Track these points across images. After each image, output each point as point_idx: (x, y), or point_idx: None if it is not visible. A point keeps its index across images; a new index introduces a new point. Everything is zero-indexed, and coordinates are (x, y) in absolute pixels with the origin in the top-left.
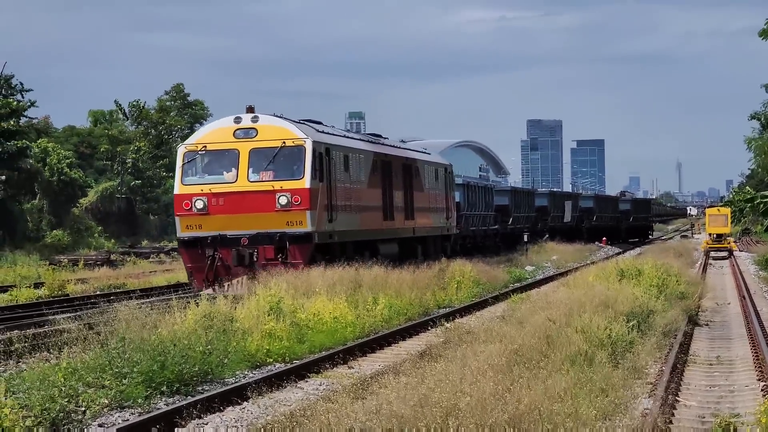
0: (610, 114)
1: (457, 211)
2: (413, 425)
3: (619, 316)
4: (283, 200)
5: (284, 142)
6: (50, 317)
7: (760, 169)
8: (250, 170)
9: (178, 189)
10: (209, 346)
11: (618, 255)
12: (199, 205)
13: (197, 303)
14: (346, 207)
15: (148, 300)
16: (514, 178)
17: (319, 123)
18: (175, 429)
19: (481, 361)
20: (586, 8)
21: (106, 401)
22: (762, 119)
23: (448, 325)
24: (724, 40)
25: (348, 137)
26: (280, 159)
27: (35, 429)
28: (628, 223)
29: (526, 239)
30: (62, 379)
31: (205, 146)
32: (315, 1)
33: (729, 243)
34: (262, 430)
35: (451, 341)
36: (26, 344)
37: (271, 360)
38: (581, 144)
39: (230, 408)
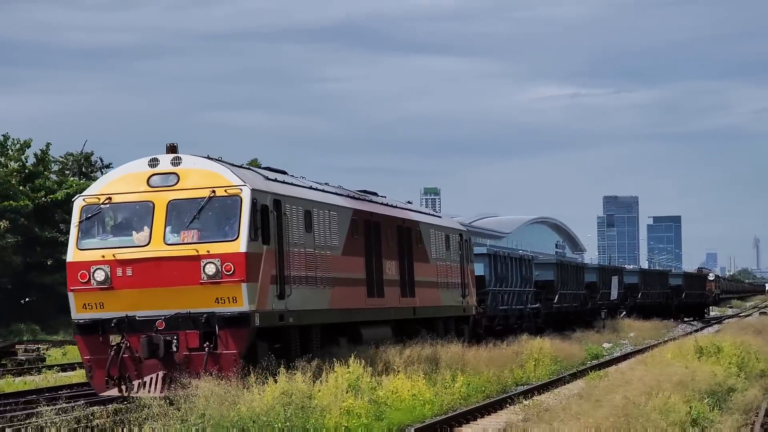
0: (686, 190)
1: (481, 286)
2: None
3: (698, 394)
4: (210, 269)
5: (214, 191)
6: None
7: None
8: (168, 229)
9: (72, 255)
10: (288, 423)
11: (696, 332)
12: (100, 276)
13: (275, 380)
14: (307, 279)
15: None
16: (591, 255)
17: (282, 172)
18: None
19: None
20: (658, 86)
21: None
22: None
23: (526, 402)
24: None
25: (314, 189)
26: (207, 214)
27: None
28: (679, 299)
29: (603, 316)
30: None
31: (110, 198)
32: (387, 80)
33: None
34: None
35: (530, 419)
36: (108, 419)
37: None
38: (657, 220)
39: None
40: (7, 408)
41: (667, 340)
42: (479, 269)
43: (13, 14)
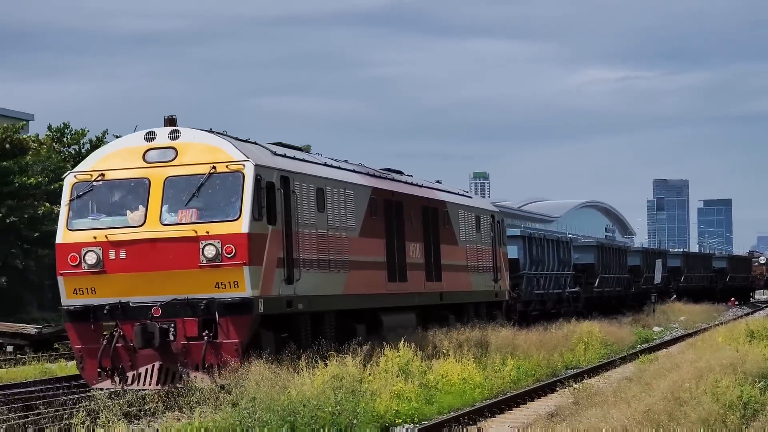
0: (736, 173)
1: (515, 270)
2: None
3: (750, 377)
4: (210, 251)
5: (214, 167)
6: None
7: None
8: (165, 208)
9: (62, 236)
10: (338, 407)
11: (747, 315)
12: (91, 259)
13: (326, 363)
14: (319, 262)
15: None
16: (640, 239)
17: (297, 149)
18: None
19: (611, 424)
20: (709, 68)
21: None
22: None
23: (576, 386)
24: None
25: (329, 166)
26: (207, 191)
27: None
28: (723, 283)
29: (653, 300)
30: None
31: (103, 174)
32: (436, 64)
33: None
34: None
35: (580, 403)
36: (159, 403)
37: (400, 421)
38: (708, 204)
39: None
40: (59, 392)
41: (717, 324)
42: (513, 252)
43: (64, 2)
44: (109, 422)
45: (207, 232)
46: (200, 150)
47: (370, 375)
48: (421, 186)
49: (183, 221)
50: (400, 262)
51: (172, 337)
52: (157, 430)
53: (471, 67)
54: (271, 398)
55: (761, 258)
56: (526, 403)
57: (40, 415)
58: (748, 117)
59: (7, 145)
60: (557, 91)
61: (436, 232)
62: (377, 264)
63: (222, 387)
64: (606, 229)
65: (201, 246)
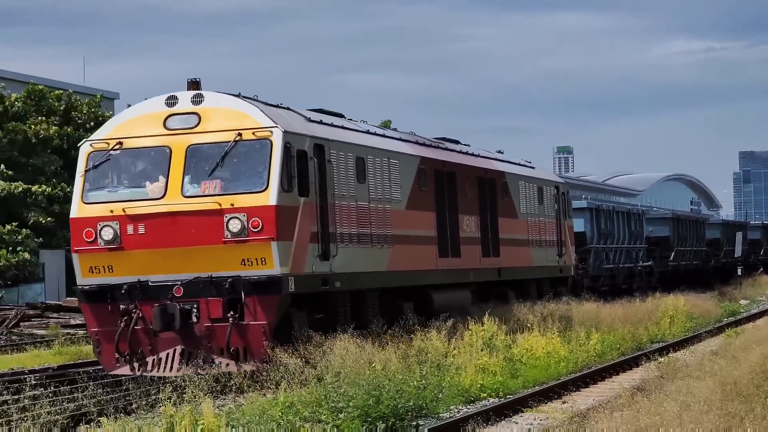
0: None
1: (582, 243)
2: None
3: None
4: (235, 225)
5: (240, 134)
6: None
7: None
8: (187, 179)
9: (76, 210)
10: (423, 381)
11: None
12: (108, 234)
13: (411, 338)
14: (359, 237)
15: None
16: (726, 212)
17: (339, 116)
18: None
19: (697, 398)
20: None
21: None
22: None
23: (661, 359)
24: None
25: (371, 133)
26: (233, 161)
27: None
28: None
29: (739, 272)
30: (280, 414)
31: (121, 142)
32: (517, 38)
33: None
34: None
35: (665, 376)
36: (245, 379)
37: (485, 395)
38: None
39: None
40: None
41: None
42: (579, 225)
43: None
44: (195, 397)
45: (232, 205)
46: (225, 116)
47: (455, 349)
48: (476, 156)
49: (206, 193)
50: (452, 236)
51: (194, 319)
52: (243, 405)
53: (553, 41)
54: (356, 372)
55: None
56: (611, 377)
57: (127, 391)
58: None
59: (92, 123)
60: (640, 64)
61: (494, 204)
62: (426, 238)
63: (307, 361)
64: (691, 202)
65: (225, 220)
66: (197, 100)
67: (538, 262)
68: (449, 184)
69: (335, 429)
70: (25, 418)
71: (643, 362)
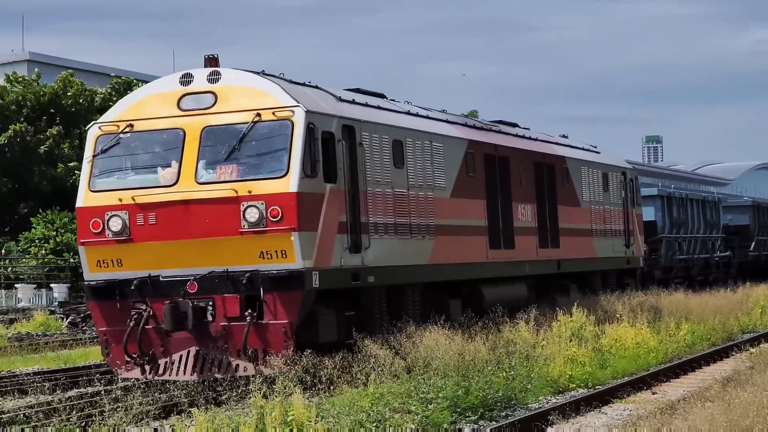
0: None
1: (653, 233)
2: None
3: None
4: (252, 215)
5: (259, 115)
6: None
7: None
8: (201, 164)
9: (83, 199)
10: (512, 372)
11: None
12: (116, 225)
13: (498, 329)
14: (396, 227)
15: None
16: None
17: (381, 96)
18: None
19: None
20: None
21: (413, 426)
22: None
23: (752, 350)
24: None
25: (411, 114)
26: (251, 143)
27: None
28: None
29: None
30: (369, 405)
31: (131, 125)
32: (604, 26)
33: None
34: None
35: (756, 367)
36: (336, 370)
37: (574, 385)
38: None
39: None
40: None
41: None
42: (649, 213)
43: None
44: (285, 389)
45: (249, 192)
46: (244, 94)
47: (543, 340)
48: (534, 140)
49: (222, 179)
50: (505, 226)
51: (209, 318)
52: (333, 397)
53: (640, 29)
54: (445, 363)
55: None
56: (701, 368)
57: (216, 380)
58: None
59: None
60: (730, 51)
61: (553, 191)
62: (475, 229)
63: (396, 353)
64: None
65: (242, 208)
66: (214, 77)
67: (603, 253)
68: (502, 169)
69: (424, 419)
70: (118, 409)
71: (734, 353)
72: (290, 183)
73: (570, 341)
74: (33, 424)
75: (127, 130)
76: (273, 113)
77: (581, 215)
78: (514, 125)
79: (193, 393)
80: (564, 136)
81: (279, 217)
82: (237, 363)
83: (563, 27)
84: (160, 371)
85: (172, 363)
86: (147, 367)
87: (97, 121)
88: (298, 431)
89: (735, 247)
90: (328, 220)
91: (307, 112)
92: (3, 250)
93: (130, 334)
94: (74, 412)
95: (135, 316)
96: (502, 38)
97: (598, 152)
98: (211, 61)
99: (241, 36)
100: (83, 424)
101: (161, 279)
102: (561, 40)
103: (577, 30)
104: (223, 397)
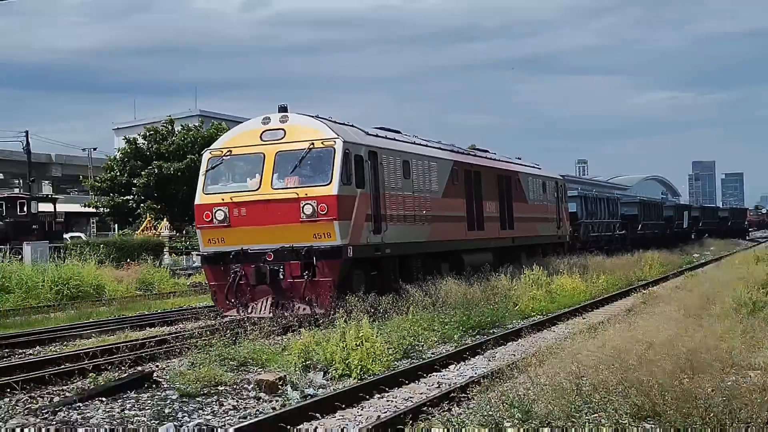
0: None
1: (575, 220)
2: (623, 354)
3: (755, 285)
4: (308, 209)
5: (312, 144)
6: None
7: None
8: (275, 176)
9: (199, 198)
10: (496, 306)
11: (754, 247)
12: (220, 216)
13: (488, 278)
14: (405, 217)
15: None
16: (684, 200)
17: (396, 132)
18: (484, 354)
19: (667, 315)
20: None
21: (435, 339)
22: None
23: (644, 291)
24: None
25: (418, 143)
26: (307, 163)
27: (391, 351)
28: (727, 226)
29: (693, 237)
30: (409, 326)
31: (230, 150)
32: (556, 90)
33: None
34: (531, 357)
35: (647, 301)
36: (388, 305)
37: (534, 314)
38: (729, 176)
39: (511, 343)
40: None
41: (735, 252)
42: (573, 207)
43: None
44: (358, 317)
45: (306, 195)
46: (303, 131)
47: (515, 286)
48: (498, 160)
49: (288, 186)
50: (478, 216)
51: (281, 276)
52: (386, 321)
53: (576, 91)
54: (455, 300)
55: (750, 210)
56: (613, 302)
57: (316, 314)
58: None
59: None
60: (630, 106)
61: (509, 193)
62: (458, 218)
63: (426, 294)
64: (661, 193)
65: (301, 205)
66: (284, 119)
67: (543, 233)
68: (476, 179)
69: (443, 335)
70: (254, 329)
71: (633, 293)
72: (333, 189)
73: (531, 287)
74: (204, 338)
75: (228, 154)
76: (322, 143)
77: (528, 209)
78: (486, 151)
79: (302, 319)
80: (518, 158)
81: (325, 211)
82: (299, 305)
83: (532, 91)
84: (249, 311)
85: (256, 305)
86: (240, 308)
87: (209, 148)
88: (365, 341)
89: (628, 228)
90: (359, 213)
91: (344, 142)
92: (184, 231)
93: (229, 287)
94: (228, 331)
95: (232, 275)
96: (490, 99)
97: (540, 168)
98: (283, 109)
99: (333, 97)
100: (234, 338)
101: (249, 251)
102: (529, 100)
103: (539, 93)
104: (320, 322)
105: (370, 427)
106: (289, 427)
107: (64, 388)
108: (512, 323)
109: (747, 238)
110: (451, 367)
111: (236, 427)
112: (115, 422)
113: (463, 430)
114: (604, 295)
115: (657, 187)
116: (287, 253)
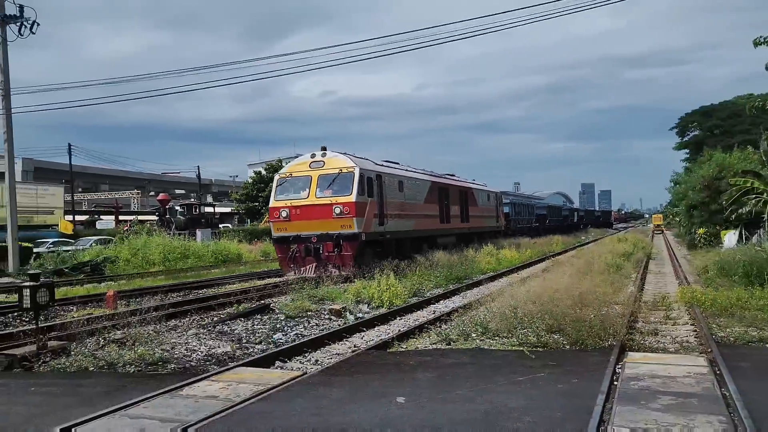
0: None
1: (508, 217)
2: (541, 295)
3: (618, 256)
4: (337, 210)
5: (341, 170)
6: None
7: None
8: (318, 190)
9: (272, 203)
10: (467, 266)
11: (618, 233)
12: (284, 214)
13: (462, 251)
14: (399, 215)
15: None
16: (576, 205)
17: (394, 163)
18: (459, 294)
19: (566, 273)
20: None
21: (431, 285)
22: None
23: (553, 258)
24: None
25: (409, 170)
26: (337, 182)
27: (406, 293)
28: (599, 221)
29: (581, 227)
30: (416, 279)
31: (291, 174)
32: (501, 139)
33: (662, 229)
34: (488, 296)
35: (555, 264)
36: (406, 265)
37: (488, 270)
38: (603, 191)
39: (476, 288)
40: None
41: (606, 236)
42: (507, 209)
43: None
44: (387, 273)
45: (336, 201)
46: (335, 161)
47: (477, 254)
48: (460, 180)
49: (325, 196)
50: (446, 214)
51: (321, 251)
52: (404, 278)
53: (498, 147)
54: (443, 264)
55: (614, 211)
56: (534, 265)
57: (362, 271)
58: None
59: None
60: (544, 150)
61: (465, 201)
62: (434, 216)
63: (427, 260)
64: (562, 201)
65: (333, 208)
66: (324, 154)
67: (488, 225)
68: (445, 192)
69: (436, 284)
70: (303, 288)
71: (546, 260)
72: (352, 198)
73: (487, 256)
74: (278, 289)
75: (289, 176)
76: (347, 169)
77: (478, 210)
78: (453, 175)
79: (356, 273)
80: (473, 180)
81: (348, 211)
82: (332, 270)
83: (485, 143)
84: (301, 273)
85: (305, 269)
86: (297, 271)
87: (278, 172)
88: (391, 286)
89: (541, 222)
90: (369, 212)
91: (360, 169)
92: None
93: (289, 258)
94: (313, 281)
95: (291, 250)
96: (459, 147)
97: (486, 186)
98: (323, 148)
99: (366, 146)
100: (316, 285)
101: (301, 236)
102: (483, 147)
103: (490, 144)
104: (365, 276)
105: (394, 335)
106: (346, 335)
107: (220, 312)
108: (476, 277)
109: (613, 228)
110: (441, 301)
111: (317, 335)
112: (248, 332)
113: (448, 336)
114: (529, 261)
115: (560, 198)
116: (324, 237)
